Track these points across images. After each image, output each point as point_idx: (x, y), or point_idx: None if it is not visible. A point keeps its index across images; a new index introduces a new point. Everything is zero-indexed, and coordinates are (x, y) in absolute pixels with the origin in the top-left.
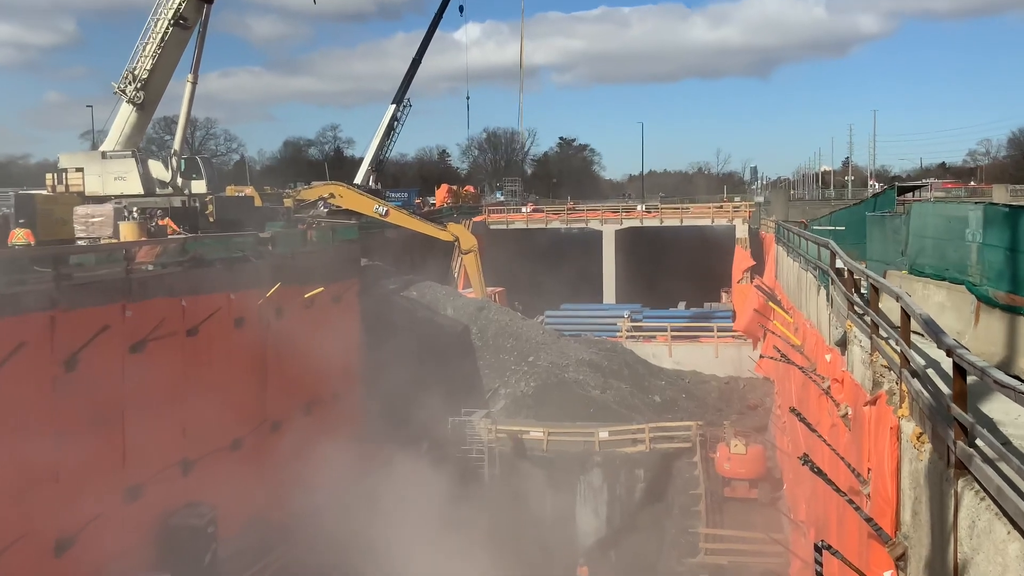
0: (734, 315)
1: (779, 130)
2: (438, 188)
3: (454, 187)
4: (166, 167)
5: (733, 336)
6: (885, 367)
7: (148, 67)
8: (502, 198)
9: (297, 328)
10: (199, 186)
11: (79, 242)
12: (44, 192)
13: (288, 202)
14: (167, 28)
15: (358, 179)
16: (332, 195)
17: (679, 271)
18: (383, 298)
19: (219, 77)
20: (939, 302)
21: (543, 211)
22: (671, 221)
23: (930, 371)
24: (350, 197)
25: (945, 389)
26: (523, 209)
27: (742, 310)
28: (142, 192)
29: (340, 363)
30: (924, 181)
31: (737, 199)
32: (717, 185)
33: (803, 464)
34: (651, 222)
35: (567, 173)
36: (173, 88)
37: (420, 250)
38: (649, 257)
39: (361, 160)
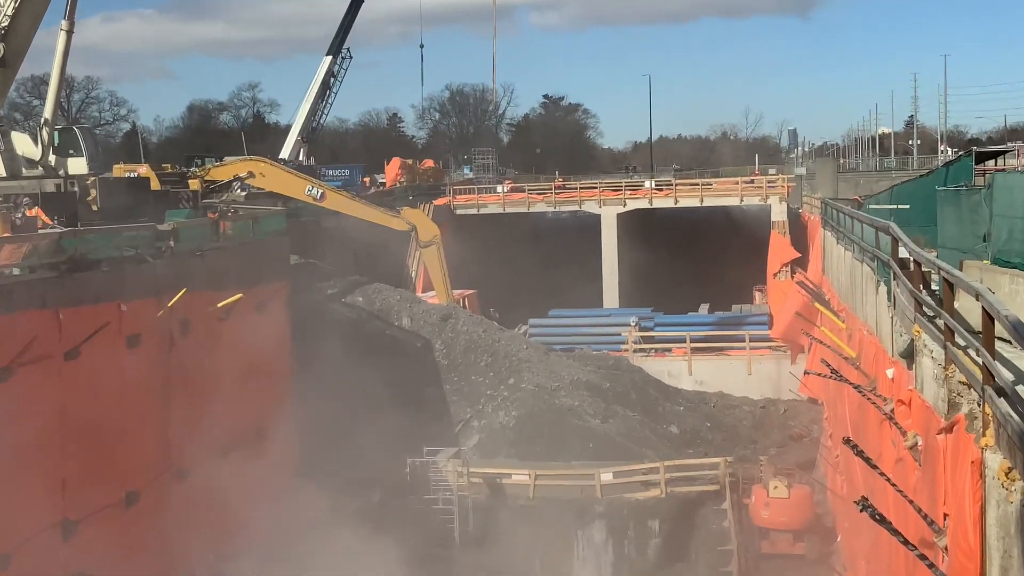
0: (770, 320)
1: (824, 83)
2: (388, 163)
3: (409, 161)
4: (35, 141)
5: (770, 347)
6: (963, 384)
7: (8, 11)
8: (471, 174)
9: (209, 347)
10: (78, 165)
11: None
12: None
13: (195, 184)
14: None
15: (285, 153)
16: (252, 174)
17: (700, 265)
18: (321, 306)
19: (101, 23)
20: None
21: (524, 190)
22: (688, 201)
23: (1021, 388)
24: (275, 176)
25: None
26: (499, 188)
27: (781, 313)
28: (3, 174)
29: (266, 391)
30: (1010, 145)
31: (772, 171)
32: (746, 154)
33: (861, 510)
34: (663, 203)
35: (554, 141)
36: (42, 39)
37: (367, 243)
38: (661, 248)
39: (288, 128)
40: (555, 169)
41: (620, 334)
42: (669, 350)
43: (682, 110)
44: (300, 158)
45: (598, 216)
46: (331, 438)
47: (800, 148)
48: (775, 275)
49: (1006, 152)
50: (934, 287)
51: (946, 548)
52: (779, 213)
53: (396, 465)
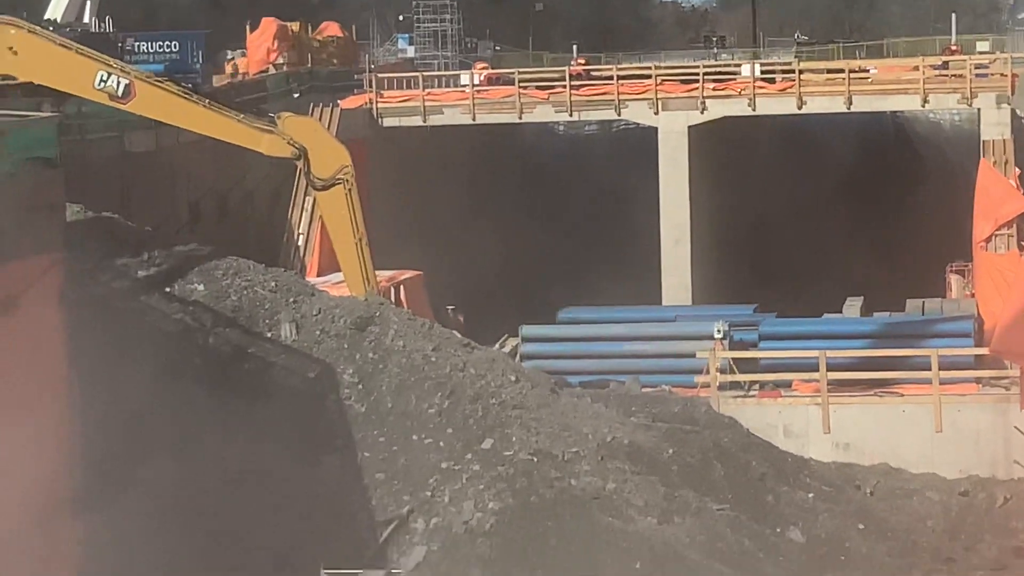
0: (979, 323)
1: None
2: (255, 30)
3: (293, 26)
4: None
5: (979, 380)
6: None
7: None
8: (411, 51)
9: None
10: None
11: None
12: None
13: None
14: None
15: (56, 11)
16: None
17: (844, 226)
18: (125, 303)
19: None
20: None
21: (513, 82)
22: (822, 103)
23: None
24: (36, 54)
25: None
26: (464, 78)
27: (1003, 314)
28: None
29: (17, 467)
30: None
31: (984, 47)
32: (934, 12)
33: None
34: (774, 105)
35: None
36: None
37: (214, 184)
38: (771, 192)
39: None
40: (571, 43)
41: (694, 355)
42: (788, 385)
43: None
44: (86, 18)
45: (652, 131)
46: (147, 555)
47: None
48: (987, 243)
49: None
50: None
51: None
52: (996, 126)
53: None
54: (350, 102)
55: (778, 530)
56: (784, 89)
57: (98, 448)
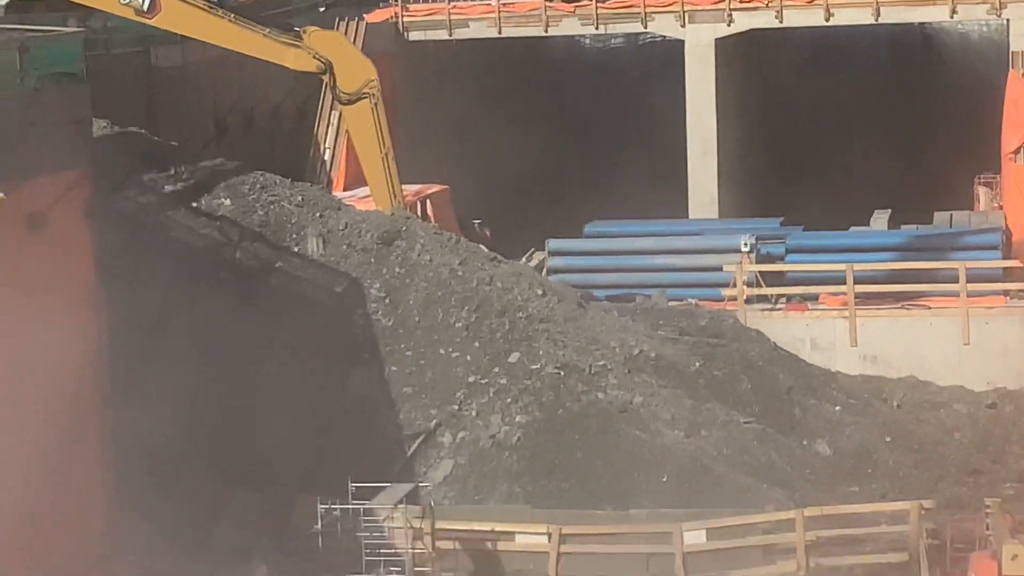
0: (1007, 235)
1: None
2: None
3: None
4: None
5: (1005, 292)
6: None
7: None
8: None
9: None
10: None
11: None
12: None
13: None
14: None
15: None
16: None
17: (870, 139)
18: (150, 217)
19: None
20: None
21: None
22: (849, 15)
23: None
24: None
25: None
26: None
27: None
28: None
29: (51, 381)
30: None
31: None
32: None
33: None
34: (801, 18)
35: None
36: None
37: (238, 99)
38: (797, 104)
39: None
40: None
41: (721, 268)
42: (815, 299)
43: None
44: None
45: (679, 43)
46: (171, 465)
47: None
48: (1015, 155)
49: None
50: None
51: None
52: None
53: (298, 516)
54: (375, 16)
55: (805, 443)
56: (811, 1)
57: (125, 358)
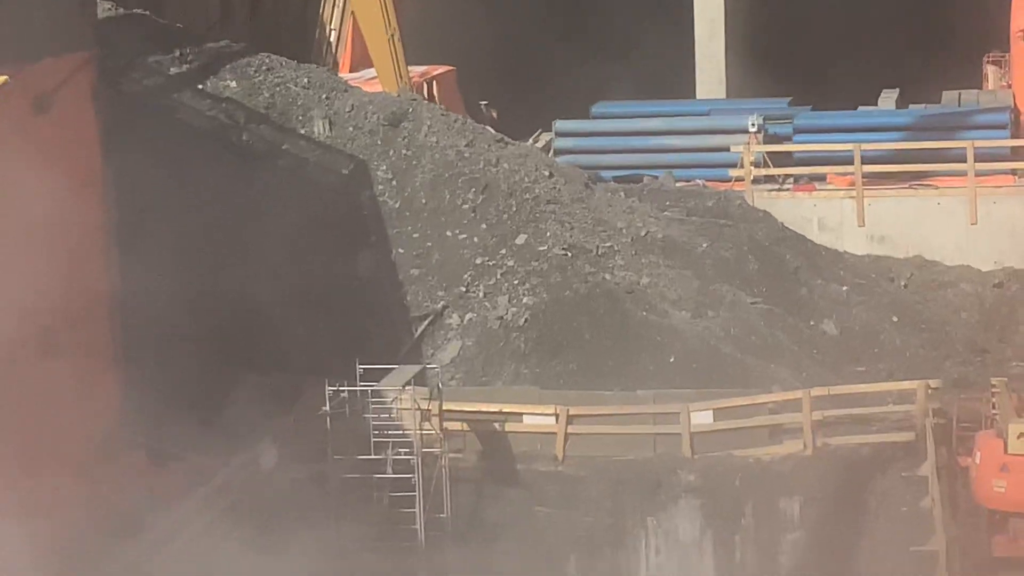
0: (1015, 115)
1: None
2: None
3: None
4: None
5: (1013, 171)
6: None
7: None
8: None
9: None
10: None
11: None
12: None
13: None
14: None
15: None
16: None
17: (879, 17)
18: (158, 100)
19: None
20: None
21: None
22: None
23: None
24: None
25: None
26: None
27: None
28: None
29: (56, 262)
30: None
31: None
32: None
33: None
34: None
35: None
36: None
37: None
38: None
39: None
40: None
41: (729, 148)
42: (822, 179)
43: None
44: None
45: None
46: (178, 347)
47: None
48: None
49: None
50: None
51: None
52: None
53: (307, 397)
54: None
55: (812, 323)
56: None
57: (130, 241)
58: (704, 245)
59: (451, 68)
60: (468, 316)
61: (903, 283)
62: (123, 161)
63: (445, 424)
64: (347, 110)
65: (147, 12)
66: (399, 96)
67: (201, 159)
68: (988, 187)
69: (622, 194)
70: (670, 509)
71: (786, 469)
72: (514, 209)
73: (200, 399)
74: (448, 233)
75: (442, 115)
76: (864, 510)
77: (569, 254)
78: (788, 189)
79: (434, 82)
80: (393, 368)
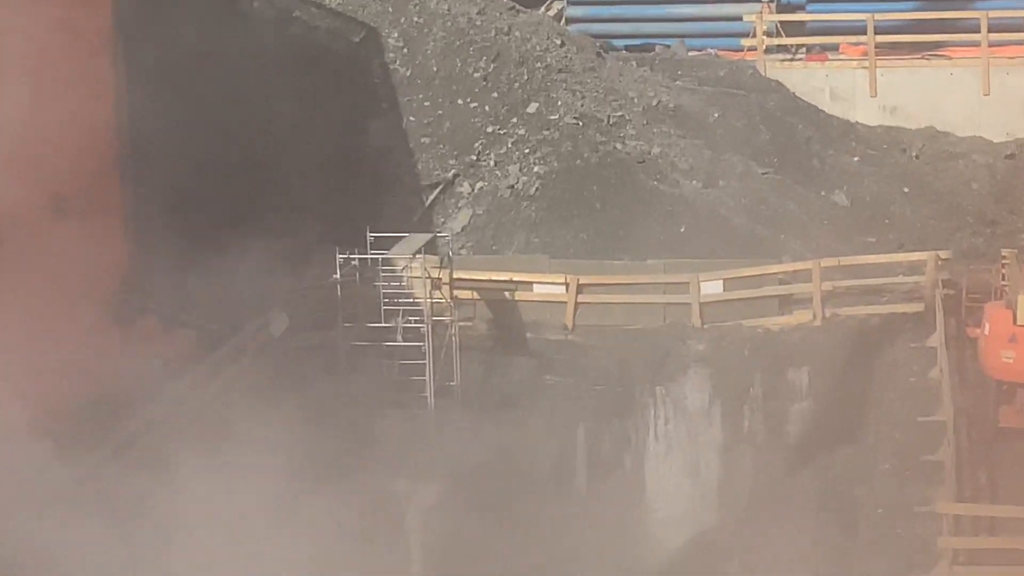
0: None
1: None
2: None
3: None
4: None
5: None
6: None
7: None
8: None
9: None
10: None
11: None
12: None
13: None
14: None
15: None
16: None
17: None
18: None
19: None
20: None
21: None
22: None
23: None
24: None
25: None
26: None
27: None
28: None
29: (68, 131)
30: None
31: None
32: None
33: None
34: None
35: None
36: None
37: None
38: None
39: None
40: None
41: (741, 18)
42: (835, 48)
43: None
44: None
45: None
46: (189, 214)
47: None
48: None
49: None
50: None
51: None
52: None
53: (312, 267)
54: None
55: (823, 193)
56: None
57: (142, 109)
58: (715, 115)
59: None
60: (479, 185)
61: (915, 154)
62: (135, 30)
63: (455, 293)
64: None
65: None
66: None
67: (212, 28)
68: (1002, 58)
69: (634, 63)
70: (679, 378)
71: (795, 339)
72: (525, 78)
73: (210, 265)
74: (459, 101)
75: None
76: (872, 380)
77: (580, 123)
78: (801, 59)
79: None
80: (404, 236)
